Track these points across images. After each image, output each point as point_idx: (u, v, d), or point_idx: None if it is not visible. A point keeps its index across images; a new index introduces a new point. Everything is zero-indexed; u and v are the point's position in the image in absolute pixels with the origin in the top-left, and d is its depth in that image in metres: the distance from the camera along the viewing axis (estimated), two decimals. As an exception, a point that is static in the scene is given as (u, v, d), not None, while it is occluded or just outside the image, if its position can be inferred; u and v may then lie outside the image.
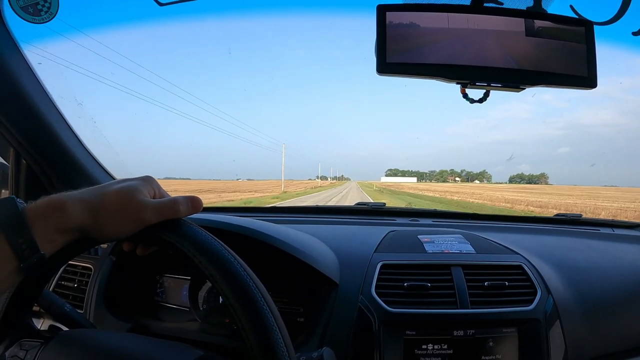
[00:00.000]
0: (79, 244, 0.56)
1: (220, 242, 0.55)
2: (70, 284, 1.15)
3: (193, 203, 0.59)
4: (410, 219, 1.51)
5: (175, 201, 0.57)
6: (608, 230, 1.47)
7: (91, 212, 0.53)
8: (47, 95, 1.18)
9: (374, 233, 1.18)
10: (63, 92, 1.21)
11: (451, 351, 0.84)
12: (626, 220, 1.61)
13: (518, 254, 1.05)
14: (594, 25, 0.84)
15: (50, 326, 0.93)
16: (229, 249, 0.54)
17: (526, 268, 0.98)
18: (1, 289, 0.51)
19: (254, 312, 0.49)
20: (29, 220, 0.49)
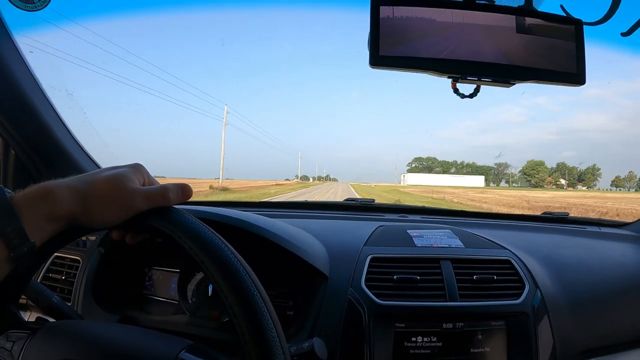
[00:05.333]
0: (68, 232, 0.56)
1: (211, 229, 0.55)
2: (58, 276, 1.14)
3: (183, 191, 0.59)
4: (399, 215, 1.52)
5: (165, 188, 0.57)
6: (594, 229, 1.49)
7: (80, 199, 0.52)
8: (38, 85, 1.17)
9: (363, 227, 1.19)
10: (54, 81, 1.20)
11: (440, 344, 0.85)
12: (612, 219, 1.63)
13: (506, 249, 1.06)
14: (584, 25, 0.86)
15: (38, 318, 0.91)
16: (219, 235, 0.54)
17: (514, 262, 0.99)
18: None
19: (245, 298, 0.49)
20: (18, 209, 0.48)
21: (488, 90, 0.86)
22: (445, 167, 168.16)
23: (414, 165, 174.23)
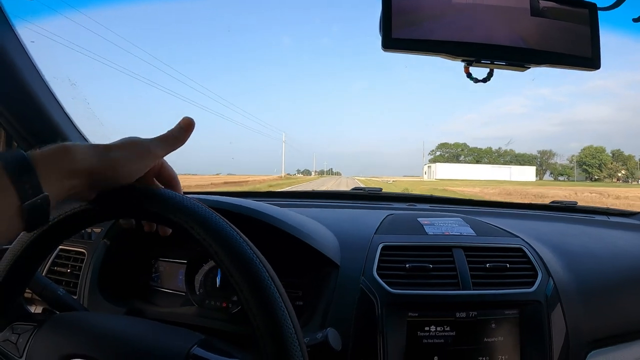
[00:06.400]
0: (88, 211, 0.56)
1: (224, 218, 0.53)
2: (63, 269, 1.13)
3: (183, 123, 0.61)
4: (407, 203, 1.51)
5: (170, 131, 0.60)
6: (603, 218, 1.48)
7: (99, 153, 0.52)
8: (40, 76, 1.15)
9: (372, 216, 1.17)
10: (56, 72, 1.19)
11: (453, 333, 0.84)
12: (619, 208, 1.62)
13: (518, 236, 1.05)
14: (598, 10, 0.84)
15: (44, 309, 0.91)
16: (232, 225, 0.52)
17: (526, 250, 0.98)
18: (3, 237, 0.47)
19: (261, 291, 0.48)
20: (35, 163, 0.47)
21: (491, 82, 0.85)
22: (479, 156, 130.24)
23: (438, 153, 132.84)
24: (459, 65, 0.82)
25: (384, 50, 0.73)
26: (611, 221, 1.45)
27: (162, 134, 0.59)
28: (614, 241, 1.24)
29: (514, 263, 0.94)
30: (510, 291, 0.88)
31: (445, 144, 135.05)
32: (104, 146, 0.53)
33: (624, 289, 1.03)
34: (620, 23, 1.02)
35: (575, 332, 0.90)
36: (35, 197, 0.46)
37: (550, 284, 0.91)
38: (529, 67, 0.81)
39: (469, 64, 0.79)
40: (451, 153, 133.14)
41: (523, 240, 1.03)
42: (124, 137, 0.56)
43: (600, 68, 0.82)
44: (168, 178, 0.63)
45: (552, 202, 1.63)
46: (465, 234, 1.03)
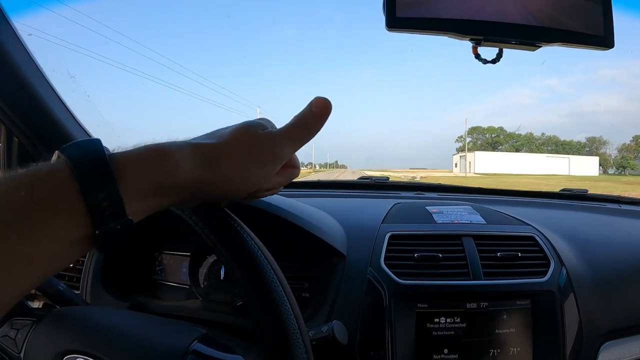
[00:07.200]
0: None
1: (225, 209, 0.51)
2: (65, 264, 1.11)
3: (315, 106, 0.46)
4: (414, 192, 1.49)
5: (298, 118, 0.45)
6: (614, 206, 1.46)
7: (206, 160, 0.40)
8: (39, 69, 1.14)
9: (379, 205, 1.15)
10: (55, 65, 1.17)
11: (464, 325, 0.81)
12: (632, 196, 1.60)
13: (529, 225, 1.02)
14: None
15: (44, 304, 0.90)
16: (234, 216, 0.50)
17: (538, 239, 0.95)
18: (57, 264, 0.35)
19: (261, 284, 0.45)
20: (117, 169, 0.34)
21: (498, 74, 0.81)
22: (518, 143, 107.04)
23: (468, 140, 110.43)
24: (468, 53, 0.79)
25: (388, 30, 0.70)
26: (623, 209, 1.43)
27: (287, 123, 0.46)
28: (627, 229, 1.22)
29: (526, 252, 0.91)
30: (522, 281, 0.85)
31: (478, 127, 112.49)
32: (211, 147, 0.41)
33: (638, 278, 1.00)
34: (632, 4, 0.99)
35: (588, 323, 0.88)
36: (114, 220, 0.34)
37: (563, 273, 0.89)
38: (540, 46, 0.78)
39: (477, 43, 0.76)
40: (484, 139, 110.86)
41: (534, 228, 1.00)
42: (144, 141, 0.39)
43: (611, 57, 0.79)
44: (292, 165, 0.50)
45: (562, 189, 1.60)
46: (475, 222, 1.01)
